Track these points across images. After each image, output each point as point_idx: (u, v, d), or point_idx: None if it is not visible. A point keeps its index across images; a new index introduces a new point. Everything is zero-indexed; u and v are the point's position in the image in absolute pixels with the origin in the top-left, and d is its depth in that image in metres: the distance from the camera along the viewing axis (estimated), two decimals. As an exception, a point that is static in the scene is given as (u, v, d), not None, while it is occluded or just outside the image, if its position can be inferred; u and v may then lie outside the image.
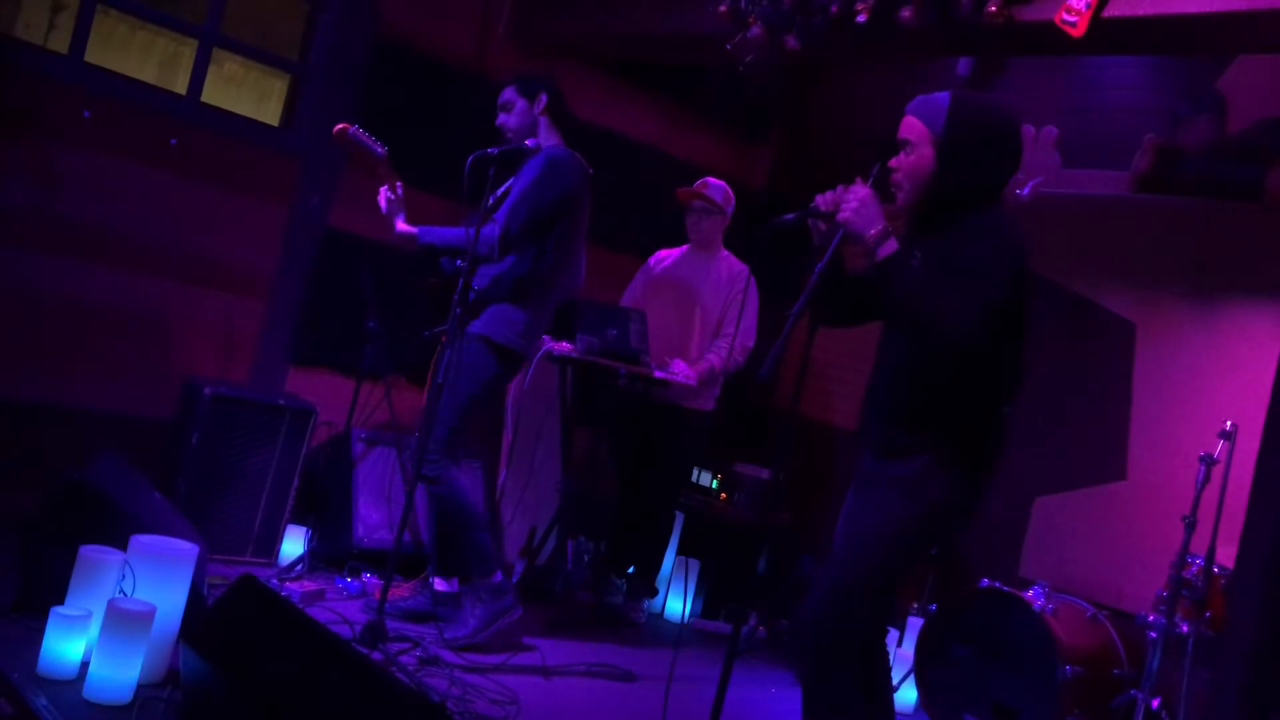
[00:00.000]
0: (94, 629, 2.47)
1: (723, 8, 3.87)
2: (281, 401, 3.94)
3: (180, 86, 4.19)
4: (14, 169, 3.73)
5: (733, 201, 4.60)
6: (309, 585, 3.65)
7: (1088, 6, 3.09)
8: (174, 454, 3.78)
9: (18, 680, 2.38)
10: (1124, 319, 4.44)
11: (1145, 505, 4.19)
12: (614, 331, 4.22)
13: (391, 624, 3.31)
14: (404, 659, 3.15)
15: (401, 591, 3.70)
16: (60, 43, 3.94)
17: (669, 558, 4.63)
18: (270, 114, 4.52)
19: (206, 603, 2.71)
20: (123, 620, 2.40)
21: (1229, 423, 3.49)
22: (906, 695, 3.84)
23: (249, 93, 4.58)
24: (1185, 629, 3.39)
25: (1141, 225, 4.45)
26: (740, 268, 4.57)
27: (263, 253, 4.32)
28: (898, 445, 2.42)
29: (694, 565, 4.57)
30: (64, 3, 4.13)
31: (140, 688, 2.45)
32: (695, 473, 4.80)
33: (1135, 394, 4.35)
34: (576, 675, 3.49)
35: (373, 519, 4.12)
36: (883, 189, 2.43)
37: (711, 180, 4.62)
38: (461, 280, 3.36)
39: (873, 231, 2.32)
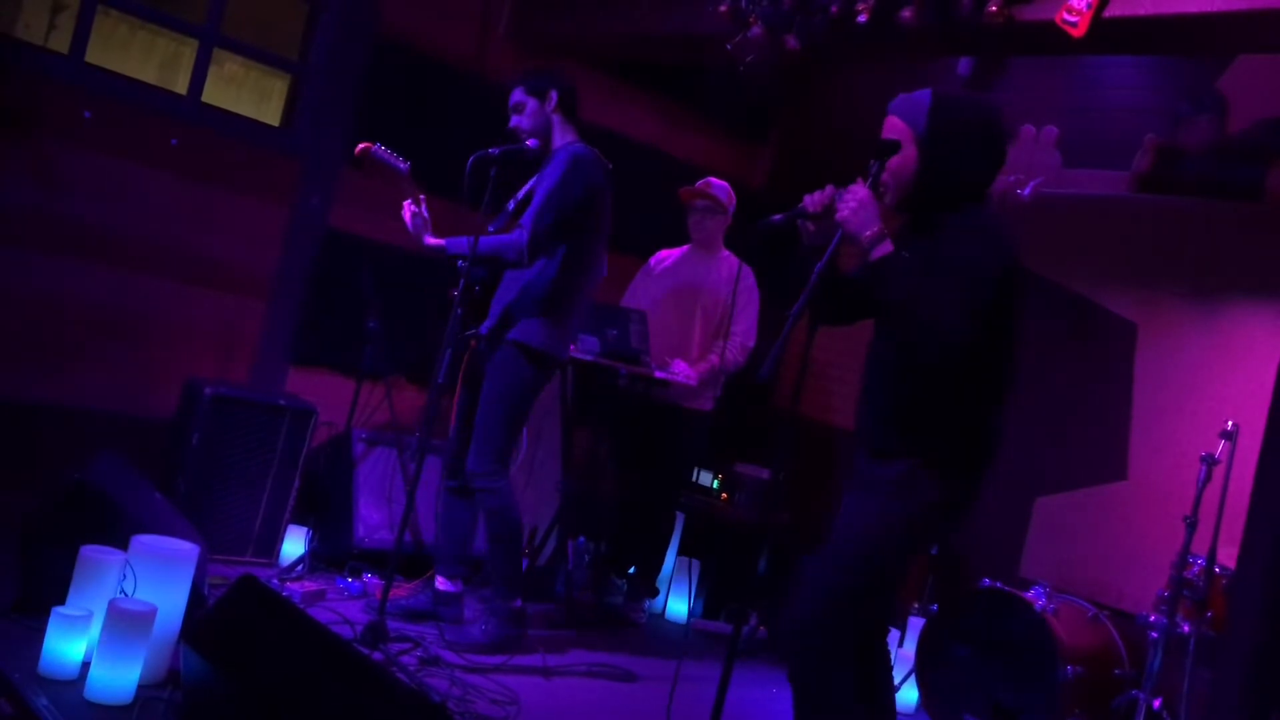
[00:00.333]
0: (95, 629, 2.47)
1: (723, 8, 3.87)
2: (282, 402, 3.94)
3: (181, 87, 4.19)
4: (14, 169, 3.73)
5: (734, 201, 4.61)
6: (310, 585, 3.65)
7: (1088, 6, 3.09)
8: (174, 454, 3.78)
9: (18, 680, 2.38)
10: (1125, 319, 4.44)
11: (1146, 505, 4.19)
12: (614, 332, 4.21)
13: (392, 624, 3.31)
14: (405, 659, 3.14)
15: (403, 591, 3.70)
16: (61, 43, 3.95)
17: (669, 558, 4.63)
18: (270, 114, 4.52)
19: (207, 603, 2.71)
20: (124, 620, 2.40)
21: (1230, 422, 3.49)
22: (907, 695, 3.84)
23: (249, 93, 4.58)
24: (1186, 629, 3.39)
25: (1142, 225, 4.45)
26: (741, 268, 4.57)
27: (263, 253, 4.32)
28: (888, 446, 2.42)
29: (694, 565, 4.57)
30: (64, 3, 4.13)
31: (141, 688, 2.45)
32: (696, 473, 4.80)
33: (1136, 394, 4.35)
34: (577, 675, 3.49)
35: (373, 519, 4.12)
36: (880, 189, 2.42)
37: (714, 180, 4.62)
38: (463, 280, 3.36)
39: (869, 232, 2.32)
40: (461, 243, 3.47)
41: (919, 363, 2.32)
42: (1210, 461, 3.46)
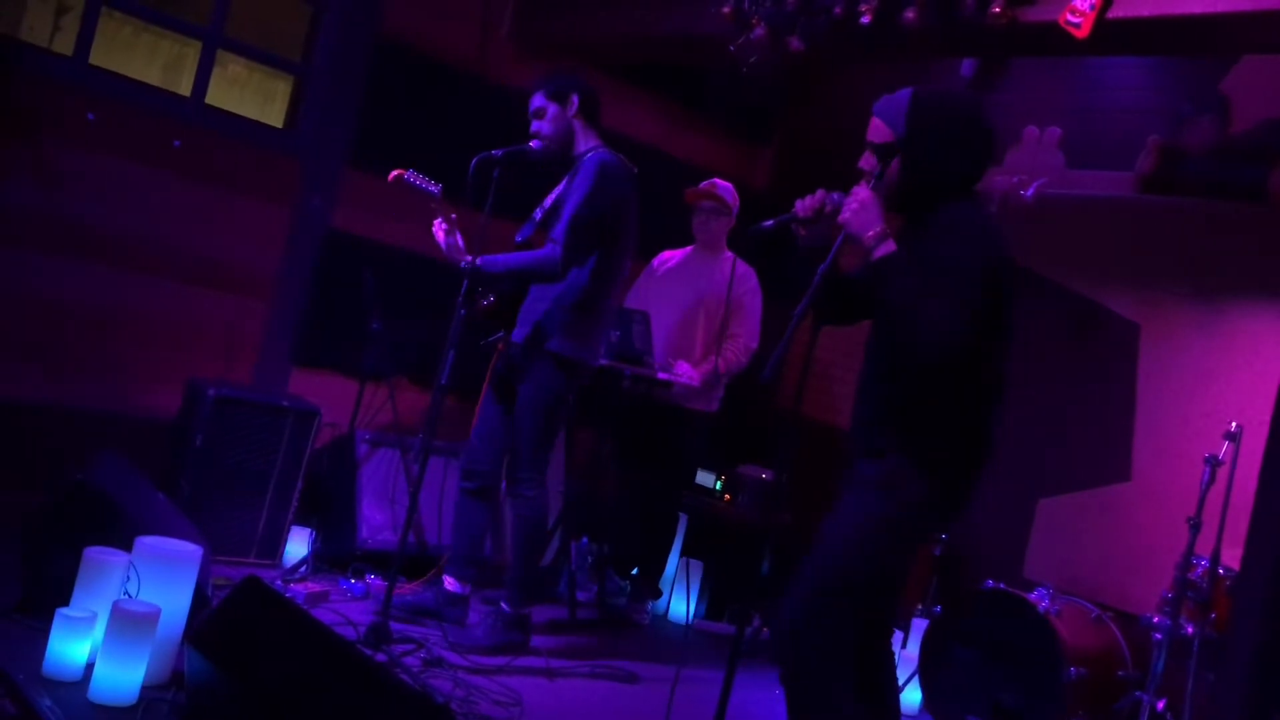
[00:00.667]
0: (99, 630, 2.47)
1: (726, 9, 3.87)
2: (285, 403, 3.94)
3: (184, 88, 4.19)
4: (18, 170, 3.74)
5: (738, 202, 4.61)
6: (313, 587, 3.65)
7: (1092, 8, 3.09)
8: (177, 455, 3.78)
9: (22, 681, 2.38)
10: (1128, 320, 4.44)
11: (1150, 506, 4.19)
12: (617, 333, 4.21)
13: (395, 625, 3.31)
14: (408, 660, 3.15)
15: (407, 589, 3.71)
16: (65, 45, 3.95)
17: (672, 559, 4.63)
18: (274, 115, 4.52)
19: (211, 604, 2.71)
20: (127, 621, 2.40)
21: (1234, 424, 3.49)
22: (911, 697, 3.84)
23: (252, 94, 4.58)
24: (1190, 630, 3.38)
25: (1145, 226, 4.45)
26: (744, 269, 4.57)
27: (266, 253, 4.33)
28: (877, 445, 2.42)
29: (697, 566, 4.57)
30: (69, 5, 4.13)
31: (145, 689, 2.45)
32: (698, 474, 4.80)
33: (1139, 395, 4.34)
34: (580, 677, 3.49)
35: (376, 520, 4.12)
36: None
37: (720, 181, 4.62)
38: (465, 281, 3.36)
39: (871, 233, 2.32)
40: (496, 261, 3.45)
41: (917, 363, 2.31)
42: (1214, 463, 3.45)
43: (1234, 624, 3.22)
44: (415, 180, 3.51)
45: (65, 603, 2.53)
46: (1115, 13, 3.10)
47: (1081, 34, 3.12)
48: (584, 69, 4.79)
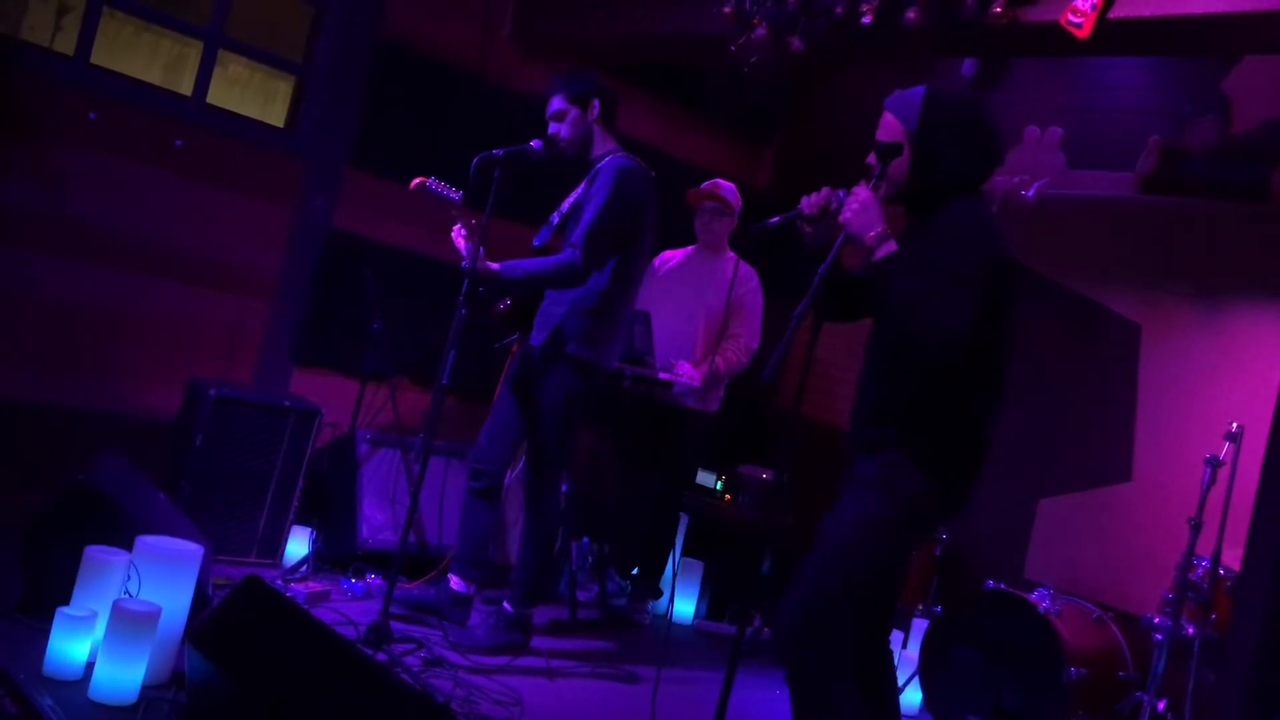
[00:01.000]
0: (99, 629, 2.47)
1: (727, 9, 3.87)
2: (286, 403, 3.94)
3: (185, 88, 4.19)
4: (19, 170, 3.74)
5: (740, 203, 4.61)
6: (314, 586, 3.65)
7: (1093, 8, 3.09)
8: (178, 455, 3.78)
9: (23, 680, 2.39)
10: (1129, 320, 4.44)
11: (1150, 507, 4.19)
12: (618, 333, 4.21)
13: (396, 625, 3.31)
14: (409, 660, 3.14)
15: (410, 588, 3.71)
16: (66, 44, 3.95)
17: (673, 559, 4.63)
18: (275, 115, 4.52)
19: (211, 603, 2.71)
20: (128, 621, 2.40)
21: (1235, 424, 3.49)
22: (911, 697, 3.84)
23: (254, 94, 4.58)
24: (1191, 631, 3.38)
25: (1146, 226, 4.45)
26: (746, 269, 4.57)
27: (267, 254, 4.33)
28: (875, 442, 2.42)
29: (698, 566, 4.57)
30: (70, 4, 4.13)
31: (145, 688, 2.45)
32: (699, 474, 4.80)
33: (1140, 395, 4.34)
34: (580, 677, 3.49)
35: (377, 520, 4.12)
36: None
37: (722, 181, 4.62)
38: (466, 281, 3.35)
39: (872, 233, 2.33)
40: (516, 267, 3.44)
41: (919, 362, 2.32)
42: (1215, 463, 3.45)
43: (1235, 624, 3.22)
44: (437, 188, 3.49)
45: (66, 602, 2.53)
46: (1116, 13, 3.10)
47: (1083, 34, 3.12)
48: (573, 69, 4.80)
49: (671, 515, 4.59)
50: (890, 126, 2.44)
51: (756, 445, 5.27)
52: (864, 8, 3.51)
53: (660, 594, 4.55)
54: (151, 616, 2.45)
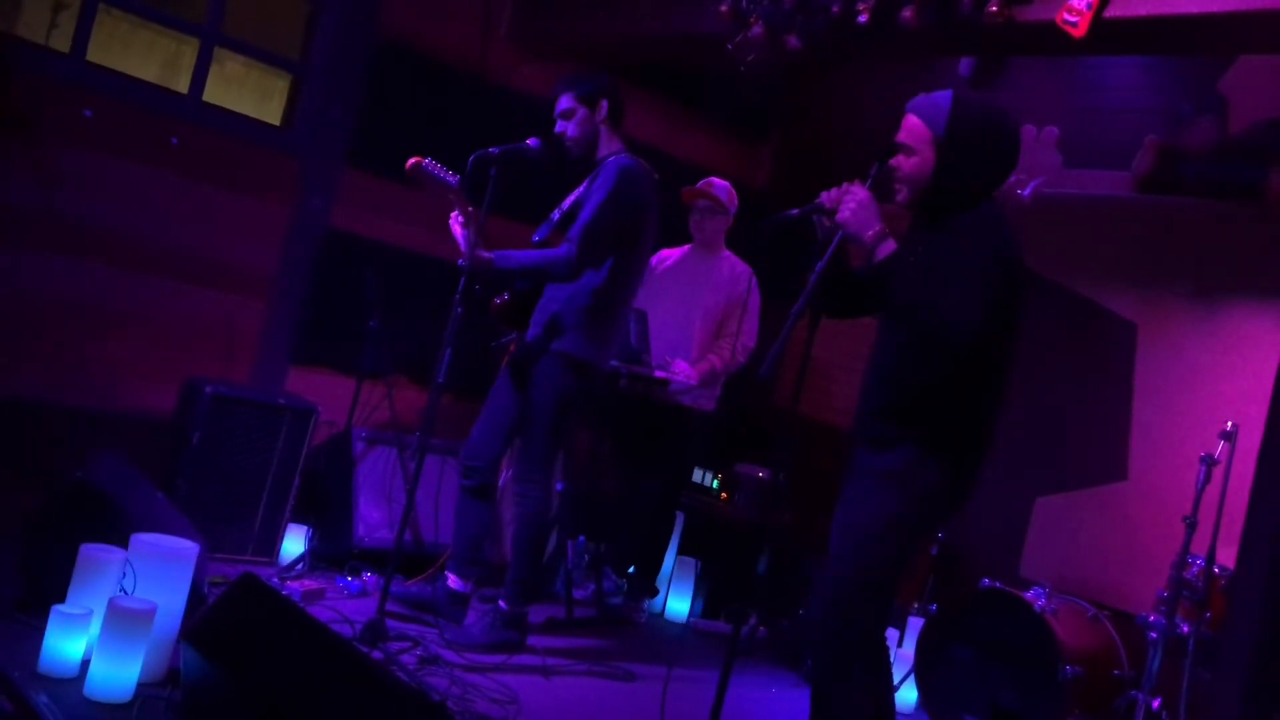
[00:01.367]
0: (95, 627, 2.47)
1: (724, 8, 3.88)
2: (282, 401, 3.94)
3: (182, 86, 4.19)
4: (15, 168, 3.73)
5: (736, 201, 4.61)
6: (310, 584, 3.65)
7: (1089, 7, 3.09)
8: (175, 453, 3.78)
9: (18, 678, 2.39)
10: (1125, 319, 4.44)
11: (1146, 505, 4.19)
12: (615, 331, 4.22)
13: (392, 623, 3.31)
14: (404, 658, 3.15)
15: (407, 585, 3.71)
16: (62, 42, 3.95)
17: (669, 558, 4.63)
18: (272, 114, 4.52)
19: (207, 601, 2.71)
20: (123, 619, 2.40)
21: (1230, 423, 3.49)
22: (907, 695, 3.84)
23: (250, 92, 4.58)
24: (1186, 629, 3.39)
25: (1143, 226, 4.45)
26: (742, 268, 4.57)
27: (264, 252, 4.33)
28: (888, 435, 2.45)
29: (694, 565, 4.57)
30: (66, 2, 4.13)
31: (141, 686, 2.45)
32: (696, 473, 4.80)
33: (1136, 394, 4.35)
34: (577, 675, 3.49)
35: (373, 518, 4.13)
36: (883, 189, 2.45)
37: (716, 180, 4.63)
38: (463, 280, 3.35)
39: (870, 232, 2.38)
40: (511, 257, 3.45)
41: (932, 352, 2.35)
42: (1210, 462, 3.46)
43: (1229, 623, 3.22)
44: (434, 169, 3.49)
45: (62, 600, 2.53)
46: (1112, 12, 3.11)
47: (1078, 33, 3.12)
48: (583, 67, 4.81)
49: (668, 514, 4.59)
50: (915, 129, 2.47)
51: (753, 444, 5.27)
52: (860, 6, 3.51)
53: (656, 592, 4.55)
54: (147, 614, 2.45)
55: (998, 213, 2.46)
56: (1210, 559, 3.41)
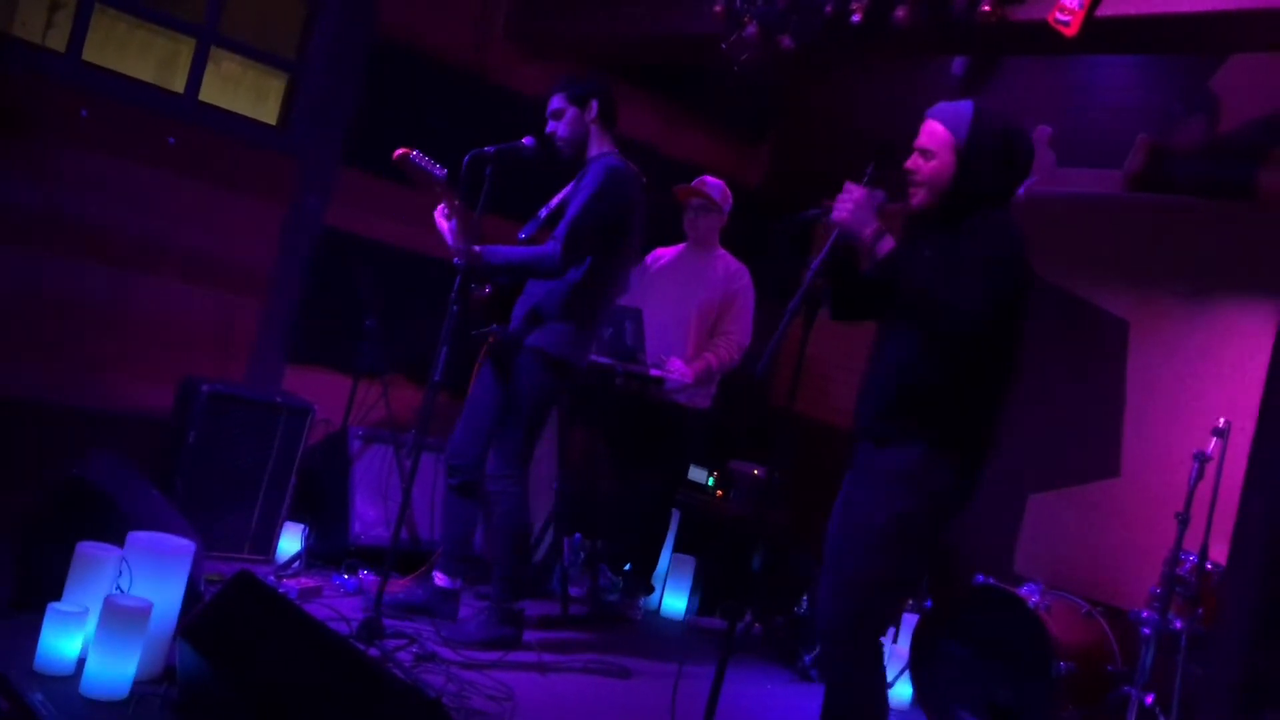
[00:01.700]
0: (91, 625, 2.48)
1: (718, 7, 3.89)
2: (278, 399, 3.95)
3: (178, 85, 4.19)
4: (11, 167, 3.74)
5: (730, 200, 4.61)
6: (306, 582, 3.66)
7: (1080, 6, 3.11)
8: (171, 452, 3.79)
9: (14, 676, 2.39)
10: (1117, 317, 4.46)
11: (1139, 502, 4.21)
12: (610, 330, 4.23)
13: (388, 620, 3.32)
14: (401, 655, 3.16)
15: (399, 586, 3.72)
16: (58, 41, 3.95)
17: (665, 555, 4.65)
18: (268, 113, 4.52)
19: (203, 599, 2.72)
20: (119, 616, 2.40)
21: (1222, 420, 3.51)
22: (901, 691, 3.86)
23: (247, 92, 4.58)
24: (1178, 625, 3.40)
25: (1134, 224, 4.47)
26: (737, 266, 4.58)
27: (260, 251, 4.33)
28: (894, 434, 2.48)
29: (690, 562, 4.58)
30: (62, 1, 4.13)
31: (137, 684, 2.45)
32: (692, 470, 4.81)
33: (1129, 391, 4.37)
34: (573, 672, 3.50)
35: (369, 516, 4.13)
36: (895, 191, 2.48)
37: (709, 178, 4.63)
38: (459, 278, 3.36)
39: (869, 230, 2.41)
40: (498, 252, 3.47)
41: (936, 342, 2.39)
42: (1202, 459, 3.48)
43: (1221, 619, 3.24)
44: (421, 161, 3.49)
45: (58, 598, 2.53)
46: (1104, 11, 3.12)
47: (1070, 32, 3.13)
48: (580, 68, 4.82)
49: (664, 511, 4.61)
50: (936, 134, 2.52)
51: (748, 441, 5.29)
52: (854, 6, 3.52)
53: (652, 590, 4.57)
54: (143, 612, 2.45)
55: (1009, 218, 2.52)
56: (1203, 555, 3.42)
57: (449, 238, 3.50)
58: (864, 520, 2.49)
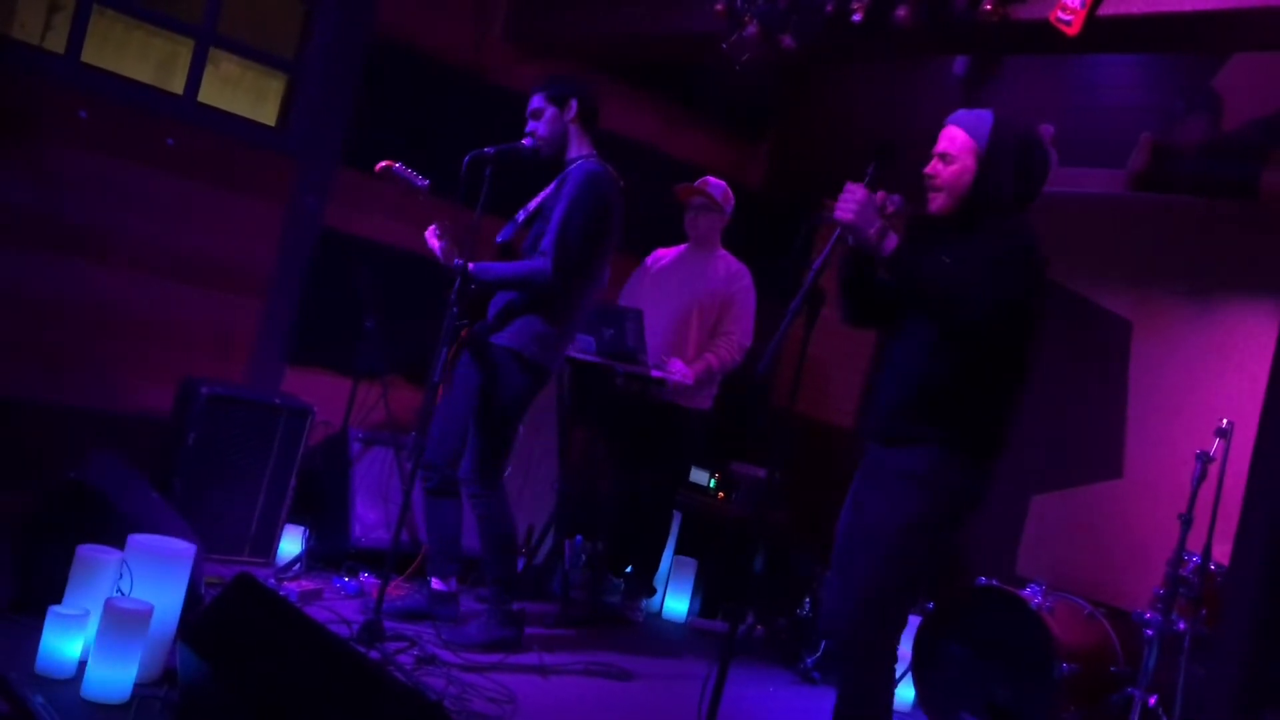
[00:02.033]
0: (91, 628, 2.47)
1: (719, 6, 3.88)
2: (278, 401, 3.94)
3: (177, 86, 4.19)
4: (10, 168, 3.73)
5: (731, 200, 4.61)
6: (306, 584, 3.65)
7: (1082, 5, 3.10)
8: (171, 453, 3.78)
9: (15, 679, 2.39)
10: (1120, 317, 4.45)
11: (1141, 503, 4.20)
12: (610, 331, 4.22)
13: (389, 623, 3.31)
14: (401, 658, 3.15)
15: (399, 591, 3.70)
16: (57, 42, 3.95)
17: (666, 557, 4.64)
18: (267, 114, 4.52)
19: (204, 602, 2.72)
20: (120, 619, 2.40)
21: (1225, 420, 3.50)
22: (903, 693, 3.84)
23: (245, 93, 4.58)
24: (1181, 626, 3.39)
25: (1137, 223, 4.46)
26: (738, 267, 4.57)
27: (259, 252, 4.33)
28: (908, 435, 2.49)
29: (691, 564, 4.57)
30: (60, 2, 4.12)
31: (137, 686, 2.45)
32: (692, 471, 4.81)
33: (1131, 392, 4.36)
34: (574, 674, 3.49)
35: (370, 518, 4.13)
36: (892, 190, 2.49)
37: (711, 179, 4.63)
38: (459, 278, 3.36)
39: (873, 229, 2.41)
40: (490, 269, 3.46)
41: (953, 338, 2.41)
42: (1205, 459, 3.47)
43: (1225, 620, 3.23)
44: (404, 173, 3.50)
45: (58, 601, 2.53)
46: (1105, 10, 3.11)
47: (1072, 31, 3.13)
48: (580, 68, 4.81)
49: (665, 513, 4.60)
50: (957, 139, 2.55)
51: (750, 443, 5.28)
52: (854, 5, 3.52)
53: (654, 592, 4.56)
54: (143, 615, 2.45)
55: (1027, 223, 2.55)
56: (1206, 556, 3.41)
57: (440, 257, 3.49)
58: (876, 524, 2.49)
